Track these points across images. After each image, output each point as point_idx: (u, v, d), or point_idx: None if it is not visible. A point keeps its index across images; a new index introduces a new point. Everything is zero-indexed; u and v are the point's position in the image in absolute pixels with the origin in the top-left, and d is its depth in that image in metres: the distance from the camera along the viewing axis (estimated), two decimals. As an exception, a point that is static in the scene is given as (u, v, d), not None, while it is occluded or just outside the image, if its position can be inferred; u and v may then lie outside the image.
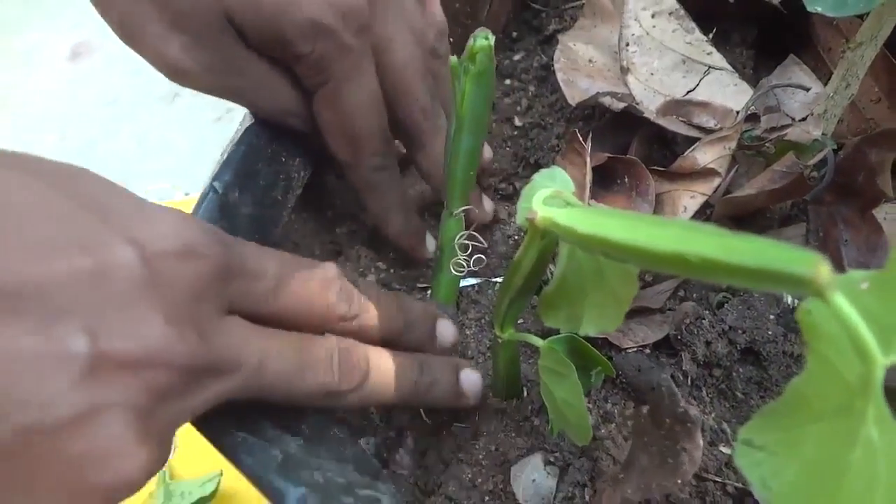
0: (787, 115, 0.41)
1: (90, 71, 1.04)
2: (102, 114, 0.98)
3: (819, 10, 0.30)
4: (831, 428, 0.14)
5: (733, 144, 0.38)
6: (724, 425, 0.33)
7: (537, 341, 0.28)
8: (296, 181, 0.37)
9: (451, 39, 0.47)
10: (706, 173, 0.38)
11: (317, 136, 0.35)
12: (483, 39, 0.29)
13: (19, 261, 0.18)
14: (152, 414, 0.21)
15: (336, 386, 0.27)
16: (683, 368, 0.33)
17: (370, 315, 0.29)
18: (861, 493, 0.13)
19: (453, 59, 0.30)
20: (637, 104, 0.42)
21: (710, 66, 0.43)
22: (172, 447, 0.23)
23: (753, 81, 0.43)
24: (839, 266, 0.36)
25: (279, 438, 0.26)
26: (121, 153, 0.92)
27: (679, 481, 0.24)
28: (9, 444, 0.18)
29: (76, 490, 0.19)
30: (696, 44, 0.44)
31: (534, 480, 0.31)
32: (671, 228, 0.17)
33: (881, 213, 0.37)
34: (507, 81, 0.50)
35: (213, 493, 0.48)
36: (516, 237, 0.43)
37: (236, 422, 0.26)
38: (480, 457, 0.33)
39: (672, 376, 0.33)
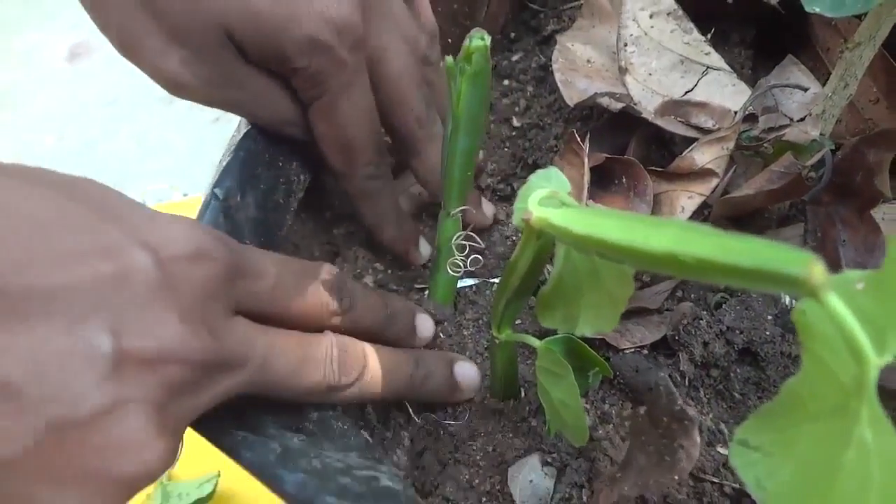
0: (786, 116, 0.41)
1: (89, 71, 1.04)
2: (101, 114, 0.98)
3: (817, 10, 0.30)
4: (826, 428, 0.14)
5: (731, 145, 0.38)
6: (722, 426, 0.33)
7: (534, 342, 0.28)
8: (296, 184, 0.37)
9: (450, 40, 0.47)
10: (704, 174, 0.38)
11: (313, 144, 0.36)
12: (479, 40, 0.29)
13: (49, 268, 0.20)
14: (168, 408, 0.22)
15: (336, 380, 0.28)
16: (681, 369, 0.33)
17: (359, 311, 0.31)
18: (855, 494, 0.13)
19: (449, 59, 0.30)
20: (635, 104, 0.42)
21: (708, 67, 0.43)
22: (181, 445, 0.24)
23: (752, 82, 0.43)
24: (837, 266, 0.36)
25: (280, 435, 0.27)
26: (119, 153, 0.92)
27: (676, 478, 0.24)
28: (42, 438, 0.19)
29: (101, 480, 0.20)
30: (695, 44, 0.44)
31: (531, 481, 0.31)
32: (666, 229, 0.16)
33: (879, 213, 0.37)
34: (506, 82, 0.50)
35: (211, 495, 0.48)
36: (514, 238, 0.43)
37: (237, 422, 0.26)
38: (478, 457, 0.33)
39: (670, 377, 0.33)
